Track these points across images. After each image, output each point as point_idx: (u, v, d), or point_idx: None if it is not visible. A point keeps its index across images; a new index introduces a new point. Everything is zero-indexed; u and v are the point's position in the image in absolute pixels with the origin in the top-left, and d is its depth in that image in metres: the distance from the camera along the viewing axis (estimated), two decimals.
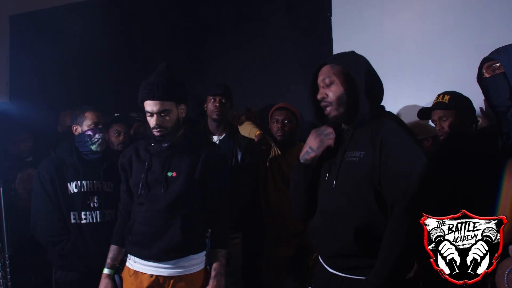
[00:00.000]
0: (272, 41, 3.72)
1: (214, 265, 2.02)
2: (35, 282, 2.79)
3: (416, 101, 3.21)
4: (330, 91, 1.65)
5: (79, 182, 2.43)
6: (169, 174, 2.01)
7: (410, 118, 3.24)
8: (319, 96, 1.67)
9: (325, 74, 1.67)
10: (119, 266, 2.16)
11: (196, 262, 2.04)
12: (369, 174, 1.52)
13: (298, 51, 3.63)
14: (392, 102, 3.31)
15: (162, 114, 1.96)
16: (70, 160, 2.45)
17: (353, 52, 1.75)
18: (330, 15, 3.55)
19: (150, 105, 1.96)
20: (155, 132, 1.99)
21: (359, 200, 1.55)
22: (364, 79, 1.61)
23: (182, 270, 1.99)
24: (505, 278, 1.19)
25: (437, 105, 2.30)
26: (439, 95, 2.34)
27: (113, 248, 2.14)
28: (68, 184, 2.42)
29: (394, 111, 3.33)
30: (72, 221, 2.39)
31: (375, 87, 1.66)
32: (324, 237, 1.65)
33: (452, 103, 2.24)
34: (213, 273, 2.01)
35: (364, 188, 1.54)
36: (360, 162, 1.56)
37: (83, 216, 2.41)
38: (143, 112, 2.04)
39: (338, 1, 3.53)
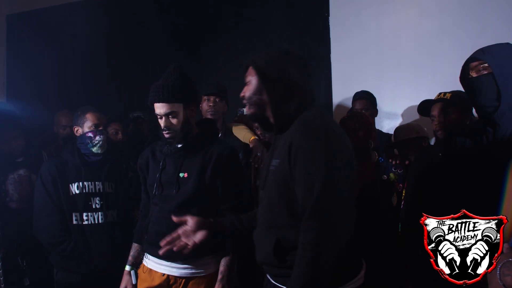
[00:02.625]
0: (270, 41, 3.72)
1: (221, 269, 2.03)
2: (30, 284, 2.77)
3: (413, 100, 3.23)
4: (247, 90, 1.62)
5: (81, 183, 2.42)
6: (181, 175, 2.03)
7: (407, 118, 3.27)
8: (241, 94, 1.64)
9: (247, 73, 1.64)
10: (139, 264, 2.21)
11: (207, 264, 2.04)
12: (282, 183, 1.48)
13: (296, 51, 3.63)
14: (390, 102, 3.35)
15: (170, 116, 1.98)
16: (72, 161, 2.45)
17: (278, 51, 1.63)
18: (328, 15, 3.57)
19: (158, 108, 1.99)
20: (165, 134, 2.02)
21: (277, 210, 1.51)
22: (274, 79, 1.54)
23: (194, 271, 2.01)
24: (498, 272, 1.20)
25: (440, 100, 2.32)
26: (440, 93, 2.36)
27: (134, 246, 2.19)
28: (70, 185, 2.41)
29: (392, 110, 3.35)
30: (74, 222, 2.38)
31: (290, 88, 1.55)
32: (256, 245, 1.62)
33: (454, 100, 2.26)
34: (219, 277, 2.02)
35: (280, 198, 1.50)
36: (276, 171, 1.52)
37: (85, 217, 2.40)
38: (147, 111, 2.05)
39: (335, 1, 3.55)
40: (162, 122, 2.00)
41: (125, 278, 2.15)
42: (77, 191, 2.41)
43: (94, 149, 2.44)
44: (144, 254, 2.14)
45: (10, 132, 2.80)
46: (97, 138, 2.43)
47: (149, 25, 4.20)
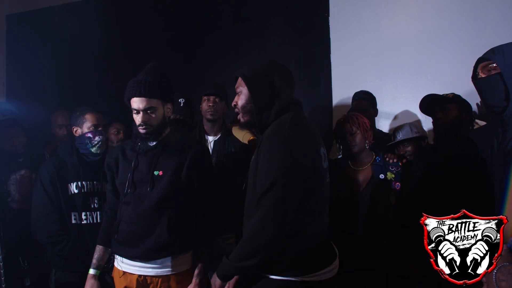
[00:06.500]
0: (269, 42, 3.72)
1: (199, 264, 2.04)
2: (30, 284, 2.77)
3: (413, 100, 3.23)
4: (239, 100, 1.79)
5: (79, 182, 2.42)
6: (156, 173, 2.01)
7: (407, 117, 3.26)
8: (232, 103, 1.81)
9: (237, 84, 1.81)
10: (105, 266, 2.17)
11: (183, 262, 2.04)
12: (255, 177, 1.63)
13: (296, 51, 3.64)
14: (389, 102, 3.34)
15: (148, 111, 1.97)
16: (70, 160, 2.44)
17: (263, 63, 1.79)
18: (328, 15, 3.56)
19: (136, 102, 1.97)
20: (141, 130, 1.99)
21: (252, 202, 1.63)
22: (257, 88, 1.72)
23: (169, 269, 2.00)
24: (494, 277, 1.20)
25: (441, 97, 2.34)
26: (443, 94, 2.38)
27: (98, 249, 2.15)
28: (69, 184, 2.41)
29: (391, 110, 3.35)
30: (73, 221, 2.38)
31: (273, 95, 1.72)
32: None
33: (455, 99, 2.28)
34: (196, 271, 2.02)
35: (254, 190, 1.63)
36: (251, 166, 1.70)
37: (83, 217, 2.40)
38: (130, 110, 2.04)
39: (335, 1, 3.55)
40: (138, 117, 1.98)
41: (89, 282, 2.09)
42: (76, 191, 2.41)
43: (93, 150, 2.44)
44: (113, 256, 2.11)
45: (11, 129, 2.80)
46: (96, 138, 2.43)
47: (147, 26, 4.20)
